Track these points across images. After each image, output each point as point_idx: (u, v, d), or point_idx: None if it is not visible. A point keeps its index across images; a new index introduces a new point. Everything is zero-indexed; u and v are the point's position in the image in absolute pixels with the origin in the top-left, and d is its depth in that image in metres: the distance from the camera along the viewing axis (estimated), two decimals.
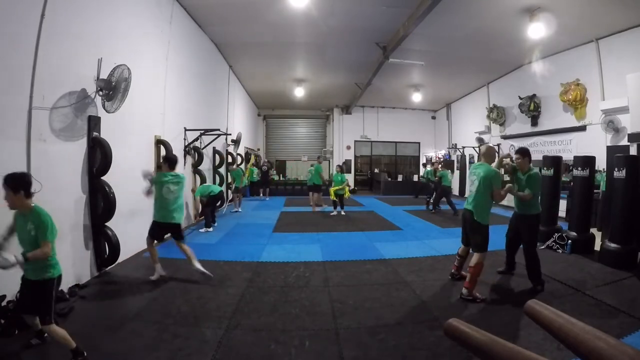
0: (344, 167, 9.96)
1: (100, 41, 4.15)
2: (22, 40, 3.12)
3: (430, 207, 10.04)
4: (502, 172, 4.09)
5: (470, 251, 3.94)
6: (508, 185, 4.00)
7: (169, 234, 4.35)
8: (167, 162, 4.23)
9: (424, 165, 16.38)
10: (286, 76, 12.03)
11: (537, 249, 3.96)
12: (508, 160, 4.24)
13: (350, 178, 16.75)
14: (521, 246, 4.09)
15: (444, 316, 3.20)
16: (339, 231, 7.16)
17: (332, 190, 9.29)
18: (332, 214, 9.14)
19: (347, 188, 9.25)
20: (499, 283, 4.15)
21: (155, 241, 4.23)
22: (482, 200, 3.67)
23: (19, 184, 2.31)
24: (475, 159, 12.53)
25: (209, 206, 6.94)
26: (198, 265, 4.09)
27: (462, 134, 14.39)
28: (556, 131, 9.14)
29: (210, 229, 6.84)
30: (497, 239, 4.47)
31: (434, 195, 10.11)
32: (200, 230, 6.80)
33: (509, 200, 4.41)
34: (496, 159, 4.07)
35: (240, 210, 9.55)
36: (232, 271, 4.46)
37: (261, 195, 13.30)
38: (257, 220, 8.45)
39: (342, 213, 9.15)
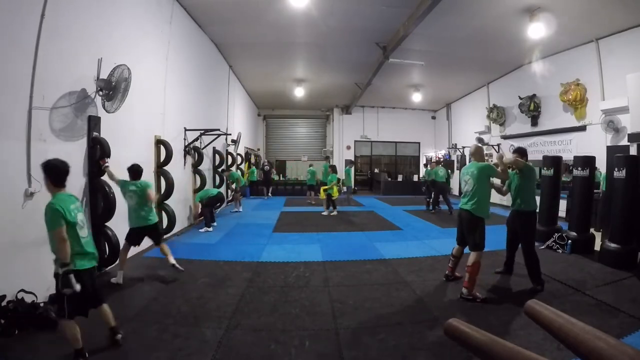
0: (336, 167, 10.15)
1: (100, 41, 4.15)
2: (22, 40, 3.12)
3: (430, 207, 10.04)
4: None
5: (466, 251, 3.94)
6: (501, 160, 3.97)
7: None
8: (129, 172, 4.09)
9: (425, 165, 16.38)
10: (286, 76, 12.03)
11: (535, 248, 3.96)
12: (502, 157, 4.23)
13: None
14: (520, 245, 4.09)
15: (443, 316, 3.21)
16: (339, 231, 7.16)
17: (322, 189, 9.47)
18: (323, 213, 9.18)
19: (335, 188, 9.38)
20: (499, 283, 4.15)
21: (131, 246, 4.15)
22: (480, 196, 3.69)
23: (46, 169, 2.43)
24: None
25: (208, 207, 6.97)
26: (172, 260, 4.13)
27: (462, 134, 14.40)
28: (556, 131, 9.14)
29: (210, 229, 6.86)
30: (496, 238, 4.47)
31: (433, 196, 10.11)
32: (200, 230, 6.81)
33: (508, 199, 4.40)
34: (487, 158, 4.09)
35: (240, 210, 9.55)
36: (232, 271, 4.46)
37: (265, 194, 13.66)
38: (257, 220, 8.45)
39: (334, 213, 9.18)
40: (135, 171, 4.10)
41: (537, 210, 4.19)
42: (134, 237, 4.09)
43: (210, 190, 7.37)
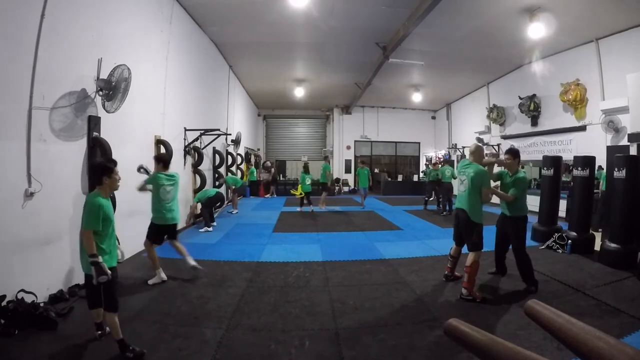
0: (308, 167, 10.32)
1: (100, 41, 4.15)
2: (22, 40, 3.11)
3: (440, 207, 9.83)
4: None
5: (464, 251, 3.94)
6: (495, 184, 4.00)
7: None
8: (161, 162, 4.14)
9: (427, 165, 16.30)
10: (286, 76, 12.03)
11: (526, 250, 3.94)
12: (493, 161, 4.22)
13: (350, 178, 16.90)
14: (511, 247, 4.08)
15: (443, 316, 3.21)
16: (339, 231, 7.16)
17: (298, 190, 10.20)
18: (299, 210, 9.83)
19: (299, 187, 10.02)
20: (498, 283, 4.15)
21: (155, 244, 4.13)
22: (474, 199, 3.67)
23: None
24: None
25: (207, 207, 6.98)
26: (191, 261, 4.14)
27: (462, 134, 14.40)
28: (556, 131, 9.14)
29: (210, 229, 6.85)
30: (494, 238, 4.46)
31: (432, 196, 10.05)
32: (200, 230, 6.81)
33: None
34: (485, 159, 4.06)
35: (237, 211, 9.39)
36: (232, 271, 4.46)
37: (270, 193, 14.21)
38: (257, 220, 8.45)
39: (298, 210, 9.82)
40: (166, 161, 4.17)
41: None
42: (156, 235, 4.12)
43: (208, 190, 7.37)
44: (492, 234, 4.31)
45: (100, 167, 2.62)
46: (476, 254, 3.62)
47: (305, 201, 9.86)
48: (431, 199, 10.22)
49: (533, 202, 4.16)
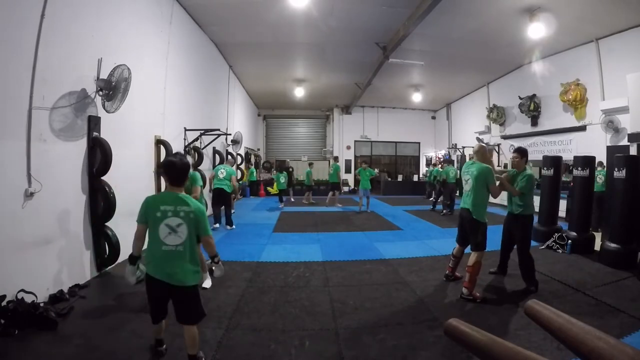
0: (283, 167, 11.19)
1: (100, 41, 4.14)
2: (22, 40, 3.11)
3: (442, 207, 9.76)
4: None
5: (466, 251, 3.94)
6: (504, 174, 4.04)
7: None
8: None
9: (429, 165, 16.23)
10: (286, 76, 12.03)
11: (530, 250, 3.95)
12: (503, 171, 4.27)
13: (350, 178, 16.91)
14: (515, 247, 4.09)
15: (443, 316, 3.21)
16: (339, 231, 7.16)
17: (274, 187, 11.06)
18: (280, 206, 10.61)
19: (275, 185, 10.85)
20: (498, 283, 4.15)
21: None
22: (478, 198, 3.67)
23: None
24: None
25: (214, 205, 7.00)
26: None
27: (462, 134, 14.40)
28: (556, 131, 9.15)
29: (217, 225, 6.88)
30: (496, 239, 4.47)
31: (434, 196, 10.04)
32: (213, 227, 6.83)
33: (506, 200, 4.40)
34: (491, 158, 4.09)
35: (234, 211, 9.35)
36: (232, 271, 4.45)
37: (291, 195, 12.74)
38: (257, 220, 8.45)
39: (280, 206, 10.57)
40: None
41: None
42: None
43: (215, 176, 7.00)
44: (495, 234, 4.31)
45: (187, 168, 2.46)
46: (479, 254, 3.62)
47: (280, 198, 10.58)
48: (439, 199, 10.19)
49: (534, 202, 4.16)
